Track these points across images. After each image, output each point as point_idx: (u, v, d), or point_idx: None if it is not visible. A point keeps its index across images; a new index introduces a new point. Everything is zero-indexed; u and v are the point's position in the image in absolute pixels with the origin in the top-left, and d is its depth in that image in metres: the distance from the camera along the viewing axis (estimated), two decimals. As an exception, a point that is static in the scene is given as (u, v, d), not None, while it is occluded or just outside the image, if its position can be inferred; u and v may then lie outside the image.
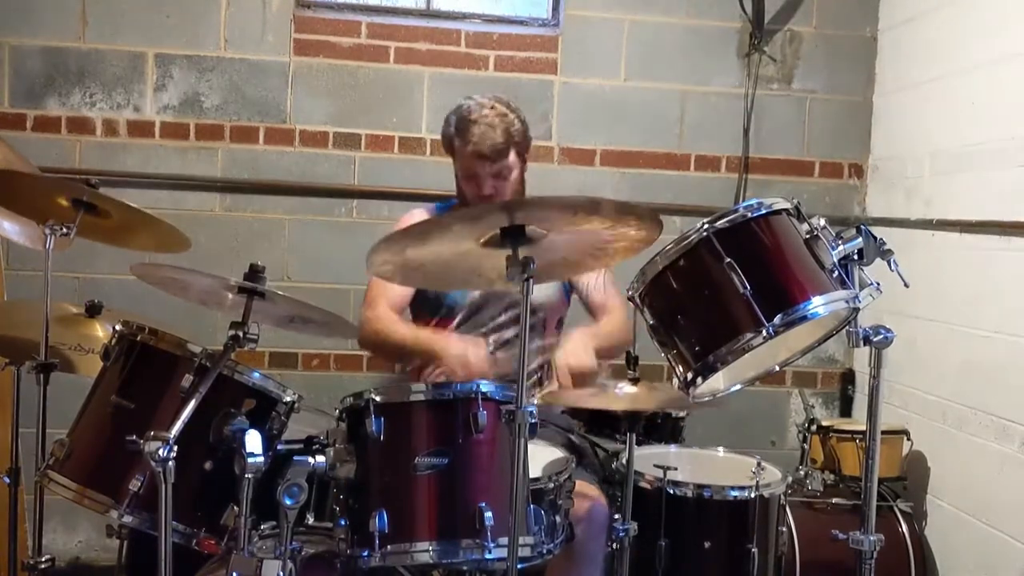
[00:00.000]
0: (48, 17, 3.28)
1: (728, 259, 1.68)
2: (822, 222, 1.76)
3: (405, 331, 2.54)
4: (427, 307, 2.65)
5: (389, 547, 1.76)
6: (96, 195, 2.07)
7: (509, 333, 2.64)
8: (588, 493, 2.23)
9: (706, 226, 1.72)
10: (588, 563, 2.23)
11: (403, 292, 2.60)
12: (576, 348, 2.39)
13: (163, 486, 1.58)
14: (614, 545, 2.23)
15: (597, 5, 3.51)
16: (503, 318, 2.63)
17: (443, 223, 1.81)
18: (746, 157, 3.58)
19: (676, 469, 2.39)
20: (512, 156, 2.53)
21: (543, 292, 2.57)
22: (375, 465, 1.82)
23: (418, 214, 2.75)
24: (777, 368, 1.92)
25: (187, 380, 1.77)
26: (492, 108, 2.52)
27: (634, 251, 1.87)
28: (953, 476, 3.08)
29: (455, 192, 2.72)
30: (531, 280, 1.69)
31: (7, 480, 2.31)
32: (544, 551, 1.88)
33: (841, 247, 1.74)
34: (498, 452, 1.82)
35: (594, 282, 2.66)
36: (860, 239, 1.76)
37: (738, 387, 1.86)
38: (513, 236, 1.71)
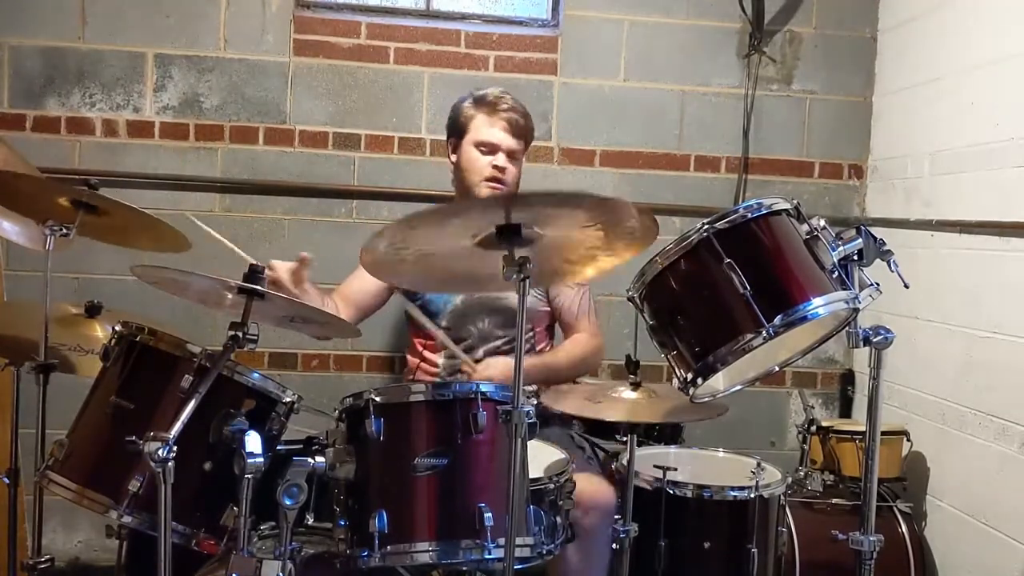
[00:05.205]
0: (47, 17, 3.28)
1: (728, 259, 1.68)
2: (822, 223, 1.76)
3: None
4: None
5: (389, 547, 1.77)
6: (96, 196, 2.07)
7: (499, 340, 2.65)
8: (595, 484, 2.25)
9: (706, 226, 1.72)
10: (595, 553, 2.24)
11: (359, 288, 2.71)
12: (497, 364, 2.52)
13: (163, 486, 1.58)
14: (614, 545, 2.23)
15: (597, 5, 3.51)
16: (487, 326, 2.64)
17: (442, 213, 1.79)
18: (746, 157, 3.58)
19: (676, 469, 2.39)
20: (522, 144, 2.67)
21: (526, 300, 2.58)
22: (375, 465, 1.82)
23: None
24: (777, 368, 1.92)
25: (187, 380, 1.77)
26: (508, 94, 2.70)
27: (631, 251, 1.86)
28: (953, 477, 3.08)
29: (455, 192, 2.73)
30: (527, 280, 1.68)
31: (7, 480, 2.31)
32: (544, 551, 1.88)
33: (841, 248, 1.75)
34: (498, 452, 1.82)
35: (567, 302, 2.69)
36: (860, 239, 1.77)
37: (738, 387, 1.87)
38: (509, 236, 1.70)
